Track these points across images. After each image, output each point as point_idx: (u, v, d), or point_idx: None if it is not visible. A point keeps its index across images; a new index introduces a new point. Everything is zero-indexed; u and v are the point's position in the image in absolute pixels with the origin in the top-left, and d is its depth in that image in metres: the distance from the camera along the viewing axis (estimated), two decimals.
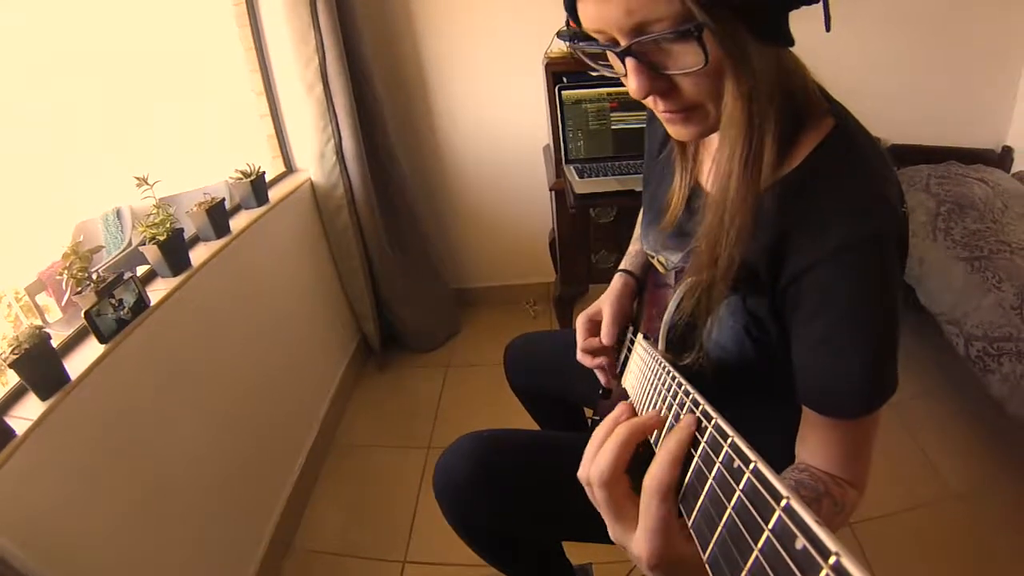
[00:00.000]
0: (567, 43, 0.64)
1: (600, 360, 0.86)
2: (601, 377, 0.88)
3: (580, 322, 0.89)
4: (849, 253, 0.57)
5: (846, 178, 0.59)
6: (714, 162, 0.63)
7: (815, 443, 0.65)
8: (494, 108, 2.20)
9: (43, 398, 0.96)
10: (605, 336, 0.84)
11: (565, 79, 1.76)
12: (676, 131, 0.63)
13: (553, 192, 1.92)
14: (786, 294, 0.61)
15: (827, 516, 0.59)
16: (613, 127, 1.76)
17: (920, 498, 1.50)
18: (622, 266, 0.95)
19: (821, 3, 0.53)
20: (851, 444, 0.63)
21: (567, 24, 0.67)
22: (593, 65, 0.64)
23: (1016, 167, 2.11)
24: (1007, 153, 2.12)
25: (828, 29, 0.54)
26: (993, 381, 1.44)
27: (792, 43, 0.56)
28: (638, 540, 0.40)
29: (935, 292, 1.66)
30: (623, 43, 0.54)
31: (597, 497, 0.44)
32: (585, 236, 1.93)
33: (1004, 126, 2.15)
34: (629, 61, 0.55)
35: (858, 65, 1.99)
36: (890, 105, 2.08)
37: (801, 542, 0.26)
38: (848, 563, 0.23)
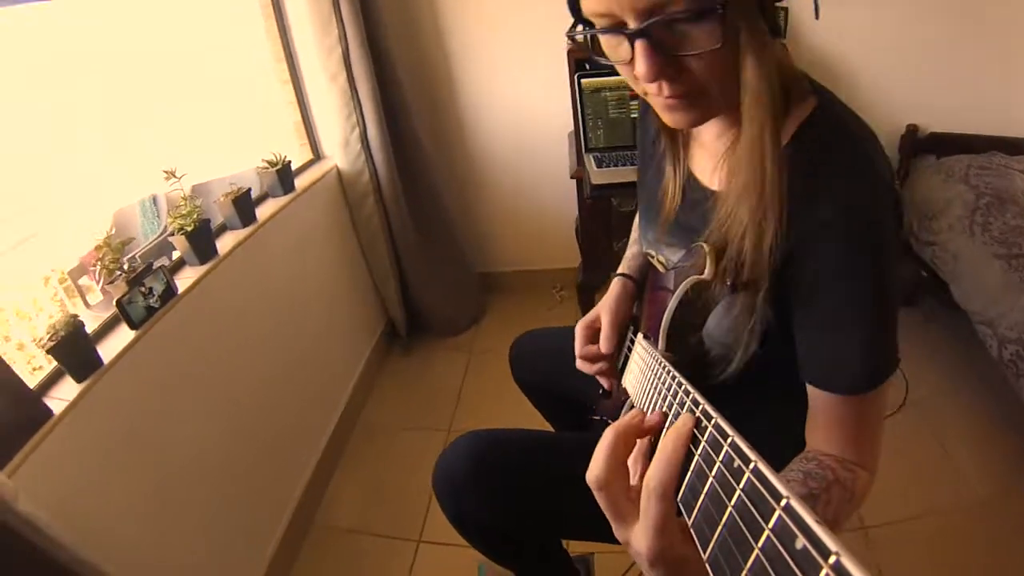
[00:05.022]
0: (570, 40, 0.64)
1: (599, 367, 0.86)
2: (604, 382, 0.89)
3: (579, 329, 0.89)
4: (842, 224, 0.58)
5: (833, 153, 0.59)
6: (725, 155, 0.63)
7: (822, 424, 0.66)
8: (519, 92, 2.18)
9: (78, 380, 1.03)
10: (604, 344, 0.84)
11: (587, 66, 1.73)
12: (676, 118, 0.62)
13: (575, 180, 1.91)
14: (783, 272, 0.62)
15: (838, 504, 0.60)
16: (633, 116, 1.73)
17: (939, 503, 1.46)
18: (620, 270, 0.95)
19: None
20: (858, 423, 0.64)
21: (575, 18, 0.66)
22: (596, 58, 0.64)
23: None
24: None
25: (817, 17, 0.56)
26: None
27: (781, 34, 0.56)
28: (638, 537, 0.41)
29: (970, 290, 1.59)
30: (633, 25, 0.53)
31: (598, 500, 0.45)
32: (607, 224, 1.92)
33: None
34: (639, 44, 0.54)
35: (896, 49, 1.90)
36: (929, 91, 1.97)
37: (801, 542, 0.26)
38: (848, 562, 0.23)
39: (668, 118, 0.63)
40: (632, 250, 0.98)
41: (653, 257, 0.85)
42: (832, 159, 0.59)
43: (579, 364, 0.89)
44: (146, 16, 1.63)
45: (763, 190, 0.59)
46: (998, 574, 1.32)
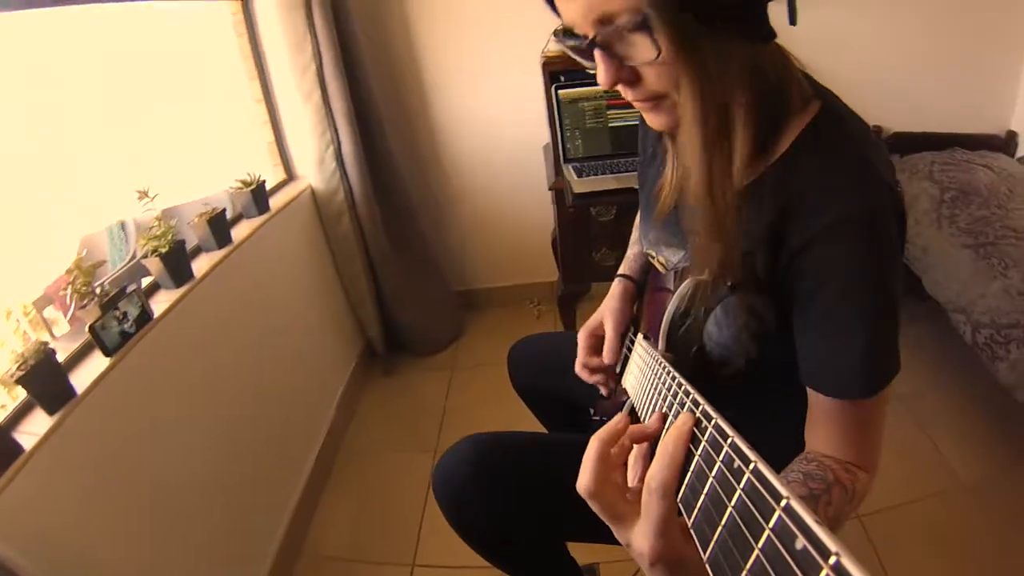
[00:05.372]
0: (559, 41, 0.66)
1: (598, 378, 0.87)
2: (603, 390, 0.89)
3: (582, 337, 0.89)
4: (844, 227, 0.57)
5: (836, 156, 0.59)
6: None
7: (822, 427, 0.65)
8: (493, 107, 2.20)
9: (50, 412, 0.97)
10: (607, 355, 0.84)
11: (563, 78, 1.75)
12: (651, 120, 0.64)
13: (553, 191, 1.91)
14: (785, 276, 0.62)
15: (838, 504, 0.59)
16: (610, 125, 1.75)
17: (929, 488, 1.49)
18: (621, 271, 0.95)
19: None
20: (858, 426, 0.63)
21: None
22: (582, 63, 0.65)
23: (1021, 152, 2.08)
24: (1012, 138, 2.09)
25: (792, 23, 0.55)
26: (1001, 368, 1.43)
27: (768, 38, 0.56)
28: (639, 536, 0.41)
29: (941, 280, 1.65)
30: (590, 36, 0.57)
31: (592, 507, 0.46)
32: (586, 234, 1.93)
33: (1008, 111, 2.12)
34: (597, 52, 0.58)
35: (860, 52, 1.98)
36: (893, 92, 2.06)
37: (801, 542, 0.26)
38: (848, 563, 0.23)
39: (647, 119, 0.65)
40: (632, 250, 0.98)
41: (654, 258, 0.85)
42: (835, 164, 0.59)
43: (579, 371, 0.89)
44: (106, 34, 1.59)
45: (701, 190, 0.61)
46: (989, 551, 1.34)
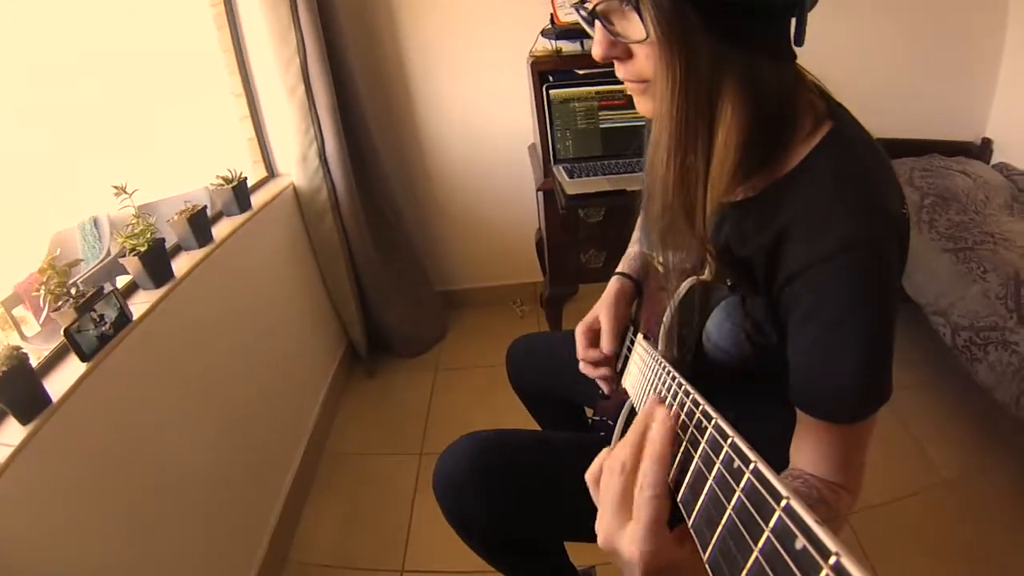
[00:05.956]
0: (574, 7, 0.66)
1: (602, 371, 0.86)
2: (604, 387, 0.88)
3: (579, 332, 0.88)
4: (846, 254, 0.56)
5: (843, 180, 0.58)
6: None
7: (808, 447, 0.65)
8: (477, 106, 2.17)
9: (24, 422, 0.92)
10: (605, 345, 0.84)
11: (551, 77, 1.74)
12: (639, 104, 0.64)
13: (541, 193, 1.89)
14: (782, 295, 0.61)
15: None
16: (602, 126, 1.74)
17: (912, 486, 1.53)
18: (618, 269, 0.94)
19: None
20: (845, 448, 0.63)
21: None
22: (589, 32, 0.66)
23: (996, 159, 2.15)
24: (987, 145, 2.16)
25: (799, 44, 0.55)
26: (980, 370, 1.47)
27: (781, 57, 0.56)
28: (631, 539, 0.40)
29: (921, 284, 1.68)
30: (592, 3, 0.58)
31: (612, 483, 0.43)
32: (574, 236, 1.91)
33: (983, 118, 2.19)
34: (596, 23, 0.58)
35: (840, 60, 2.01)
36: (872, 99, 2.08)
37: (801, 542, 0.26)
38: (848, 563, 0.23)
39: (635, 103, 0.65)
40: (632, 249, 0.98)
41: (654, 258, 0.84)
42: (838, 189, 0.58)
43: (582, 367, 0.88)
44: (83, 25, 1.52)
45: (654, 197, 0.63)
46: (972, 549, 1.38)
